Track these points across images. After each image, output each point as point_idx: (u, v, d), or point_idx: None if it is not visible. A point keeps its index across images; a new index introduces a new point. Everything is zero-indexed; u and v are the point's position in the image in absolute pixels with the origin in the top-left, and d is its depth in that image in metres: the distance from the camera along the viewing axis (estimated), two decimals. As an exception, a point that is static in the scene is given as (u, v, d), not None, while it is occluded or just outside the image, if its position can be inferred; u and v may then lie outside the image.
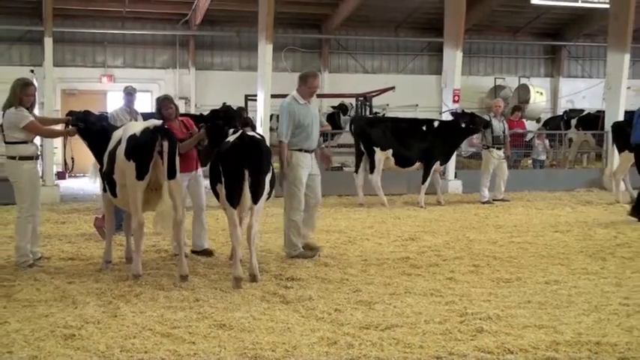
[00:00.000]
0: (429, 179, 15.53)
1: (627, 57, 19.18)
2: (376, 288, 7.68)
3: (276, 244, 10.30)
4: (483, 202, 15.73)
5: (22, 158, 8.60)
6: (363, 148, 15.38)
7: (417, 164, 15.66)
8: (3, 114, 8.72)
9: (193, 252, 9.31)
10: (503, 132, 16.22)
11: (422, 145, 15.50)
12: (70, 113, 9.19)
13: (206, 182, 9.31)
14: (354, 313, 6.65)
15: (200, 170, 9.56)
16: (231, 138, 8.10)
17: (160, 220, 7.91)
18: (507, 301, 7.14)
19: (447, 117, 17.43)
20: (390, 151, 15.34)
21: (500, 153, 16.05)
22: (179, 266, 7.98)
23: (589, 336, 5.87)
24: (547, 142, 21.35)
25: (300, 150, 9.33)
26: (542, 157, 20.89)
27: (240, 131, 8.16)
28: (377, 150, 15.20)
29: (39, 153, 9.21)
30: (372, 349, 5.55)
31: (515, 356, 5.40)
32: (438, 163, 15.66)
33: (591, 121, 22.21)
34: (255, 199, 7.95)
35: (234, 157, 7.86)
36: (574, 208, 15.07)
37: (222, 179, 7.96)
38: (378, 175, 15.27)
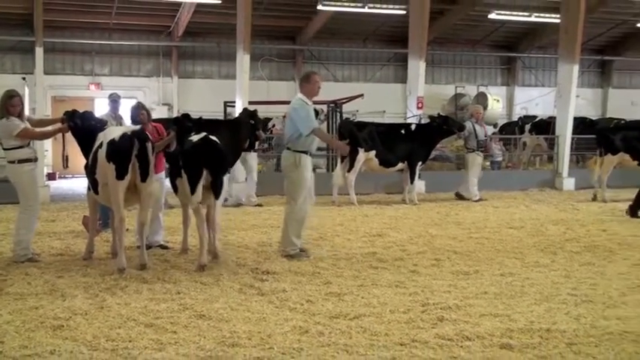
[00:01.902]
0: (416, 178, 15.61)
1: (576, 67, 19.38)
2: (345, 280, 7.68)
3: (253, 241, 10.30)
4: (475, 201, 15.81)
5: (21, 161, 8.59)
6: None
7: (399, 165, 15.70)
8: None
9: (148, 247, 9.16)
10: (485, 136, 16.35)
11: (403, 147, 15.54)
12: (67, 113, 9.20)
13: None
14: (324, 303, 6.65)
15: (163, 172, 9.67)
16: (194, 138, 8.50)
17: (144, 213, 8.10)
18: (466, 292, 7.16)
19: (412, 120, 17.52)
20: (373, 152, 15.35)
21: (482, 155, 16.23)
22: (140, 256, 8.14)
23: (540, 323, 5.90)
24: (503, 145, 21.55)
25: (306, 152, 8.96)
26: (499, 159, 21.05)
27: (204, 134, 8.56)
28: (360, 151, 15.19)
29: (37, 155, 9.08)
30: (341, 337, 5.55)
31: (473, 343, 5.42)
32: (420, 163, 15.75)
33: (544, 126, 22.42)
34: (216, 195, 8.47)
35: (197, 156, 8.27)
36: (527, 206, 15.15)
37: (184, 175, 8.28)
38: (354, 175, 15.28)
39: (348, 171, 15.30)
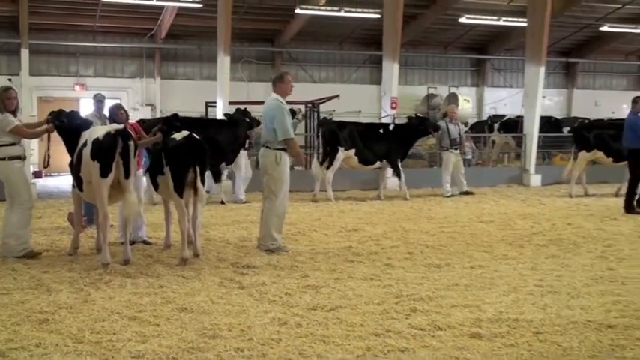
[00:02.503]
0: (402, 174, 15.62)
1: (542, 69, 19.51)
2: (322, 274, 7.67)
3: (234, 236, 10.27)
4: (447, 197, 15.86)
5: (12, 158, 8.46)
6: (329, 148, 15.41)
7: (378, 163, 15.70)
8: None
9: (132, 243, 9.10)
10: (459, 134, 16.42)
11: (382, 146, 15.57)
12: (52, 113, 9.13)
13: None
14: (302, 296, 6.64)
15: (142, 170, 9.64)
16: (177, 137, 8.49)
17: (127, 212, 8.01)
18: (438, 283, 7.18)
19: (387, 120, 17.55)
20: (353, 151, 15.35)
21: (457, 153, 16.27)
22: (124, 251, 8.09)
23: (508, 313, 5.94)
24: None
25: (285, 150, 8.96)
26: (469, 156, 21.15)
27: (187, 133, 8.55)
28: (340, 150, 15.18)
29: (26, 154, 8.96)
30: (319, 328, 5.55)
31: (444, 332, 5.43)
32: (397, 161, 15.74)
33: (512, 125, 22.57)
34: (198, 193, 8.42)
35: (181, 154, 8.27)
36: (496, 201, 15.23)
37: (168, 173, 8.27)
38: (332, 172, 15.30)
39: (327, 168, 15.30)
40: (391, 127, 16.13)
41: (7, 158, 8.44)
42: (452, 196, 15.94)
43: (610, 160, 15.84)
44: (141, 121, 11.98)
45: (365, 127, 16.36)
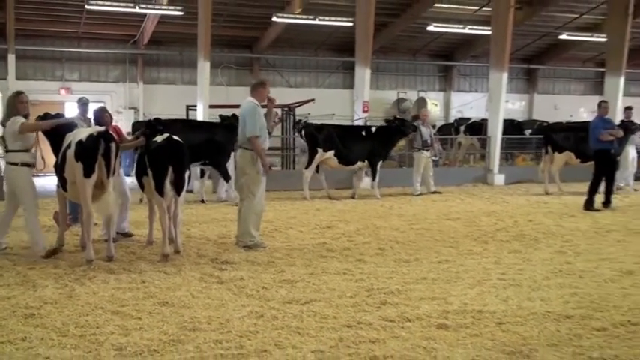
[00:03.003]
0: (377, 176, 15.63)
1: (505, 75, 19.65)
2: (298, 269, 7.66)
3: (213, 233, 10.22)
4: (416, 195, 15.91)
5: (24, 164, 8.21)
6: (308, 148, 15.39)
7: (359, 163, 15.70)
8: (4, 127, 8.32)
9: (118, 233, 9.06)
10: (430, 136, 16.48)
11: (363, 147, 15.56)
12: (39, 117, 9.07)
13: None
14: (278, 290, 6.63)
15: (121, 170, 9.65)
16: (158, 139, 8.49)
17: (102, 209, 7.99)
18: (407, 277, 7.21)
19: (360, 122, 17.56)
20: (332, 152, 15.31)
21: (428, 154, 16.33)
22: (108, 248, 8.01)
23: (473, 305, 5.98)
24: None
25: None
26: (436, 157, 21.21)
27: (167, 135, 8.56)
28: (319, 151, 15.16)
29: (35, 161, 8.61)
30: (294, 320, 5.54)
31: (413, 323, 5.45)
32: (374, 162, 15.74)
33: (477, 127, 22.68)
34: (178, 192, 8.43)
35: (162, 155, 8.27)
36: (462, 200, 15.30)
37: (150, 173, 8.28)
38: (310, 172, 15.28)
39: (306, 168, 15.30)
40: (373, 129, 16.12)
41: (20, 164, 8.18)
42: (421, 194, 16.00)
43: (578, 160, 16.05)
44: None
45: (347, 129, 16.43)
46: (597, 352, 4.75)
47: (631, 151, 16.75)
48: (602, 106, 13.64)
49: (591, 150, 13.45)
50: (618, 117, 20.06)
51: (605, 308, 5.89)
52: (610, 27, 21.11)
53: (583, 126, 15.54)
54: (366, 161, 15.61)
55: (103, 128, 8.20)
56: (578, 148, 15.76)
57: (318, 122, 16.85)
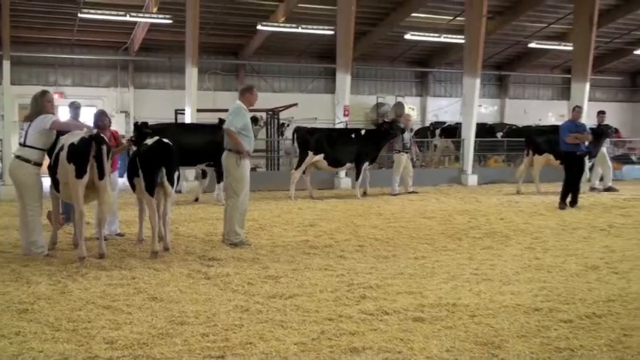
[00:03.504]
0: (361, 177, 15.62)
1: (478, 81, 19.74)
2: (281, 265, 7.65)
3: (201, 231, 10.18)
4: (394, 195, 15.93)
5: (36, 164, 7.95)
6: (299, 151, 15.37)
7: (348, 164, 15.70)
8: (30, 123, 8.01)
9: (106, 238, 8.92)
10: (410, 140, 16.56)
11: (352, 149, 15.55)
12: None
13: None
14: (263, 285, 6.62)
15: (117, 171, 9.63)
16: (148, 141, 8.48)
17: (103, 208, 7.93)
18: (385, 273, 7.23)
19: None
20: (322, 155, 15.27)
21: (407, 156, 16.42)
22: (99, 246, 7.95)
23: (447, 299, 6.00)
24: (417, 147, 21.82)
25: (246, 152, 8.87)
26: (414, 159, 21.27)
27: (157, 137, 8.55)
28: (310, 153, 15.13)
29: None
30: (277, 314, 5.54)
31: (391, 317, 5.47)
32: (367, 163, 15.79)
33: (451, 131, 22.79)
34: (167, 192, 8.40)
35: (152, 156, 8.25)
36: (438, 199, 15.34)
37: (141, 174, 8.24)
38: (299, 173, 15.25)
39: (295, 168, 15.29)
40: (362, 132, 16.14)
41: (33, 163, 7.92)
42: (398, 194, 16.03)
43: (558, 162, 16.18)
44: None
45: (337, 132, 16.53)
46: (564, 343, 4.80)
47: (602, 150, 16.85)
48: (576, 110, 13.82)
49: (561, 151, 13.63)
50: (585, 121, 20.31)
51: (571, 301, 5.94)
52: (576, 36, 21.26)
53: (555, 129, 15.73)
54: (354, 162, 15.64)
55: (94, 131, 8.11)
56: (557, 150, 15.91)
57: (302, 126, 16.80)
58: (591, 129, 16.34)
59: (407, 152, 16.38)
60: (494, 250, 8.65)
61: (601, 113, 16.79)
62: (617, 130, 17.07)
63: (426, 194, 16.30)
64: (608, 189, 16.62)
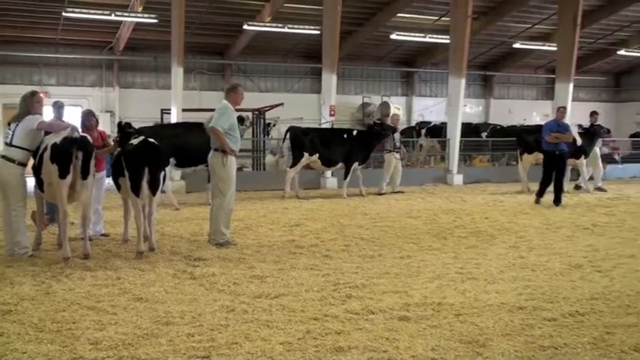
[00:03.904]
0: (349, 176, 15.71)
1: (463, 81, 19.79)
2: (267, 265, 7.64)
3: (186, 231, 10.14)
4: (381, 194, 15.98)
5: (20, 164, 7.87)
6: (294, 151, 15.38)
7: (340, 164, 15.79)
8: (17, 123, 7.90)
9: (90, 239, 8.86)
10: (399, 140, 16.63)
11: (344, 149, 15.62)
12: None
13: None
14: (249, 285, 6.60)
15: (104, 172, 9.57)
16: (134, 141, 8.41)
17: (79, 207, 7.86)
18: (371, 272, 7.23)
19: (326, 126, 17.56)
20: (317, 155, 15.36)
21: (398, 155, 16.52)
22: (84, 246, 7.90)
23: (433, 298, 6.02)
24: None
25: (232, 151, 8.85)
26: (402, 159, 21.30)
27: (143, 137, 8.49)
28: (305, 154, 15.19)
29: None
30: (263, 314, 5.53)
31: (376, 316, 5.48)
32: (357, 162, 15.85)
33: (437, 130, 22.85)
34: (153, 191, 8.31)
35: (137, 157, 8.18)
36: (423, 198, 15.37)
37: (127, 174, 8.18)
38: (294, 172, 15.31)
39: (290, 167, 15.37)
40: (354, 133, 16.23)
41: (17, 162, 7.83)
42: (385, 193, 16.06)
43: None
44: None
45: (331, 132, 16.67)
46: (548, 341, 4.83)
47: (595, 150, 16.97)
48: (560, 110, 14.01)
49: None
50: (569, 121, 20.45)
51: (555, 300, 5.98)
52: (560, 37, 21.39)
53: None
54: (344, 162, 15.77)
55: (77, 130, 8.06)
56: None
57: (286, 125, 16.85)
58: (584, 129, 16.55)
59: (397, 152, 16.46)
60: (479, 249, 8.69)
61: (594, 114, 17.05)
62: (609, 131, 17.17)
63: (411, 194, 16.33)
64: (598, 189, 16.65)
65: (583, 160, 16.34)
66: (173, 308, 5.69)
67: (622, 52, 28.38)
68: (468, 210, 12.99)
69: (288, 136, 15.60)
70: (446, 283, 6.72)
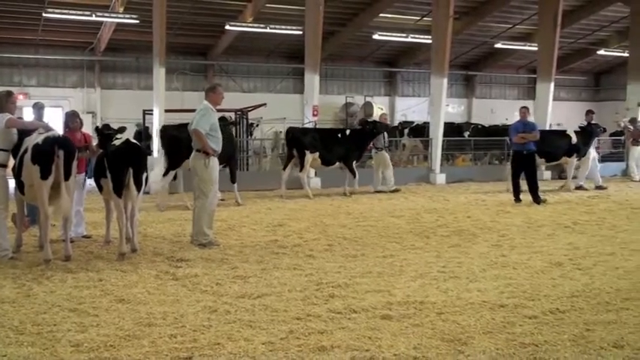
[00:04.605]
0: (357, 174, 15.94)
1: (445, 81, 19.88)
2: (250, 265, 7.63)
3: (169, 232, 10.10)
4: (394, 191, 16.20)
5: (1, 165, 7.79)
6: (295, 152, 15.41)
7: (337, 163, 15.92)
8: None
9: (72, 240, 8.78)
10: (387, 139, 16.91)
11: (340, 149, 15.78)
12: None
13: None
14: (231, 285, 6.59)
15: (84, 173, 9.51)
16: (116, 142, 8.41)
17: (58, 211, 7.71)
18: (354, 272, 7.24)
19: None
20: (317, 153, 15.49)
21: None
22: (65, 248, 7.84)
23: (415, 297, 6.04)
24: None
25: (214, 152, 8.82)
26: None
27: (125, 138, 8.48)
28: (307, 153, 15.29)
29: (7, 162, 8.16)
30: (246, 314, 5.52)
31: (359, 315, 5.48)
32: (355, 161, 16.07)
33: (420, 130, 22.94)
34: (137, 192, 8.27)
35: (120, 157, 8.17)
36: (406, 198, 15.39)
37: (109, 175, 8.14)
38: (305, 173, 15.47)
39: (300, 171, 15.45)
40: (347, 132, 16.48)
41: None
42: (399, 189, 16.39)
43: (543, 160, 16.45)
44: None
45: (327, 132, 16.91)
46: (528, 338, 4.86)
47: (592, 151, 17.10)
48: (522, 111, 14.38)
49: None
50: (549, 119, 20.64)
51: (536, 297, 6.03)
52: (541, 36, 21.58)
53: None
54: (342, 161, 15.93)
55: (58, 132, 8.01)
56: (543, 149, 16.21)
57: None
58: (580, 127, 16.69)
59: (389, 150, 16.75)
60: (462, 248, 8.73)
61: (590, 112, 17.23)
62: (605, 130, 17.34)
63: (394, 193, 16.34)
64: (579, 187, 16.73)
65: (574, 160, 16.45)
66: (155, 309, 5.66)
67: (601, 51, 28.71)
68: (450, 209, 13.05)
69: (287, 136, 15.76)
70: (428, 281, 6.74)
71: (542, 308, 5.65)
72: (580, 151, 16.38)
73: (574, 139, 16.34)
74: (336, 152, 15.77)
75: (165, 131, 14.17)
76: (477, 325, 5.20)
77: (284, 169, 15.81)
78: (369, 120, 18.06)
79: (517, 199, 13.74)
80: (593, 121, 16.90)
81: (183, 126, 13.80)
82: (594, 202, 14.17)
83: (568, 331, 5.03)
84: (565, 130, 17.09)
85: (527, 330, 5.07)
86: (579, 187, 16.73)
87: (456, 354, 4.58)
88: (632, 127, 19.64)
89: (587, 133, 16.51)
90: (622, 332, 5.01)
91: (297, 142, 15.44)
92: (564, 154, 16.46)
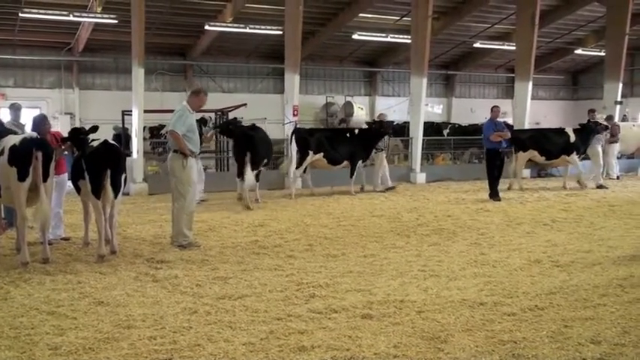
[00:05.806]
0: (355, 174, 16.02)
1: (425, 80, 19.94)
2: (231, 266, 7.62)
3: (149, 234, 10.03)
4: (379, 191, 16.33)
5: None
6: (298, 151, 15.47)
7: (344, 163, 16.01)
8: None
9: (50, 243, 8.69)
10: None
11: (347, 148, 15.88)
12: None
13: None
14: (212, 286, 6.57)
15: (65, 174, 9.39)
16: (94, 144, 8.35)
17: (37, 214, 7.58)
18: (334, 271, 7.26)
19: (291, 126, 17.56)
20: (321, 154, 15.56)
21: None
22: (43, 250, 7.78)
23: (395, 295, 6.08)
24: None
25: (191, 153, 8.80)
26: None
27: (104, 139, 8.43)
28: (310, 153, 15.36)
29: None
30: (226, 315, 5.51)
31: (339, 314, 5.50)
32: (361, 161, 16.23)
33: (400, 129, 22.99)
34: (115, 194, 8.20)
35: (98, 159, 8.12)
36: (387, 197, 15.40)
37: (87, 177, 8.09)
38: (300, 171, 15.57)
39: (296, 167, 15.48)
40: (356, 132, 16.55)
41: None
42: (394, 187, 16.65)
43: (543, 158, 16.56)
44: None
45: (334, 132, 17.17)
46: (507, 336, 4.90)
47: (597, 147, 17.24)
48: (494, 110, 14.78)
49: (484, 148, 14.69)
50: (527, 118, 20.78)
51: (515, 295, 6.09)
52: (519, 36, 21.72)
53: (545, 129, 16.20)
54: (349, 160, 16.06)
55: (34, 134, 7.94)
56: (544, 147, 16.50)
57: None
58: (581, 125, 16.84)
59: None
60: (442, 247, 8.79)
61: (591, 111, 17.44)
62: (607, 127, 17.47)
63: (374, 192, 16.35)
64: (600, 186, 16.54)
65: (575, 157, 16.52)
66: (135, 311, 5.63)
67: (579, 51, 28.99)
68: (430, 208, 13.10)
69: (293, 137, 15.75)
70: (408, 280, 6.77)
71: (521, 305, 5.70)
72: (579, 149, 16.49)
73: (572, 138, 16.43)
74: (344, 151, 15.91)
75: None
76: (456, 322, 5.23)
77: (296, 168, 15.69)
78: (375, 120, 18.13)
79: (497, 197, 13.92)
80: (594, 120, 17.08)
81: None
82: (572, 200, 14.31)
83: (546, 328, 5.08)
84: (563, 129, 17.19)
85: (506, 327, 5.12)
86: (600, 187, 16.51)
87: (436, 352, 4.61)
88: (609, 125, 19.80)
89: (587, 131, 16.61)
90: (599, 328, 5.08)
91: (303, 141, 15.49)
92: (562, 152, 16.56)
